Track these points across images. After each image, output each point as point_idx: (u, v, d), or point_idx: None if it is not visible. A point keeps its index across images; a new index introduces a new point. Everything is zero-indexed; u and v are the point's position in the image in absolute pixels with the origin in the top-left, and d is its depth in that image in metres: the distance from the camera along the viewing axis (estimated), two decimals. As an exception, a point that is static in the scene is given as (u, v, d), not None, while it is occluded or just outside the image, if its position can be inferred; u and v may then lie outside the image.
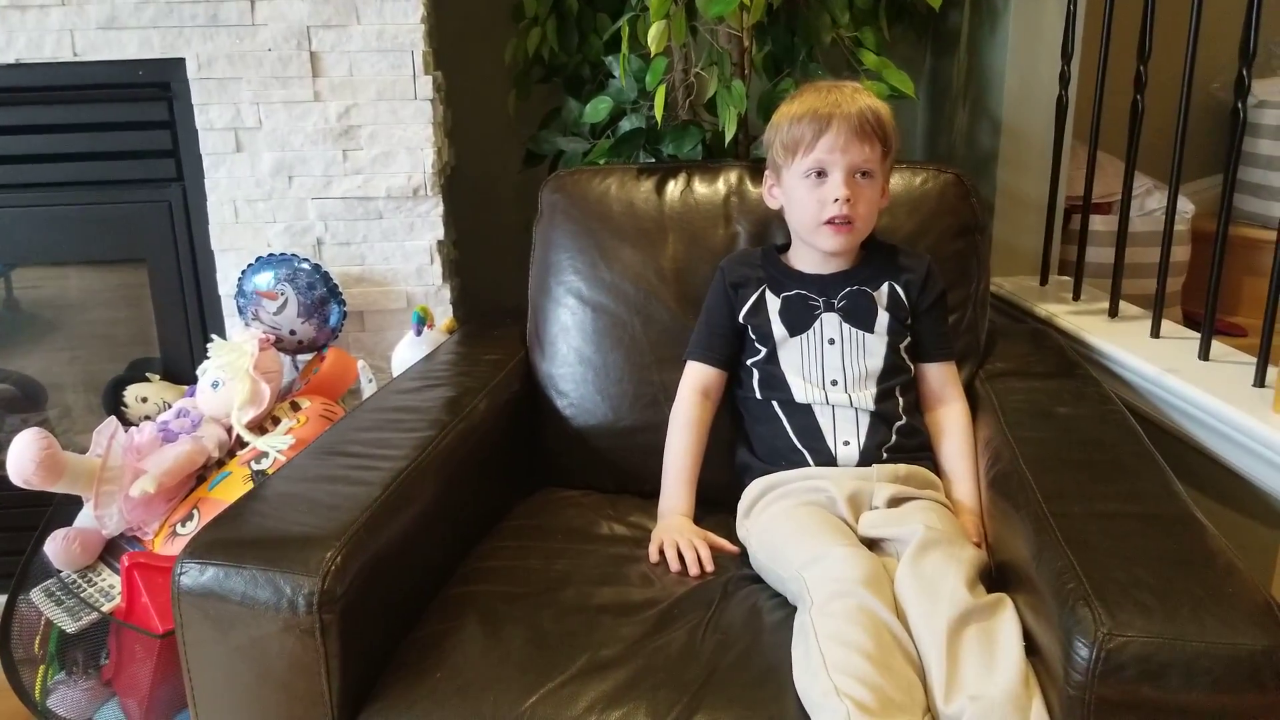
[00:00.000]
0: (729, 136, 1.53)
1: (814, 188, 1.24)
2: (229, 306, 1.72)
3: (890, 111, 1.26)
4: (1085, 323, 1.62)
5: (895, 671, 0.90)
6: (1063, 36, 1.74)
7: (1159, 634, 0.79)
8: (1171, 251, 1.53)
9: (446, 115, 1.85)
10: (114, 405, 1.70)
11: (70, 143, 1.68)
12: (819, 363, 1.26)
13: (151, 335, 1.79)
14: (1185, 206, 2.15)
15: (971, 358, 1.41)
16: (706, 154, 1.64)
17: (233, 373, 1.49)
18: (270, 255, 1.66)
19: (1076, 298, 1.76)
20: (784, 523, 1.15)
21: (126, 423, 1.60)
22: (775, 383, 1.28)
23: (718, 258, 1.39)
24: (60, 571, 1.45)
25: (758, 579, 1.15)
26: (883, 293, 1.29)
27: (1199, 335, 1.44)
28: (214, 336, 1.58)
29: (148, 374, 1.76)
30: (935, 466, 1.27)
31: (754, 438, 1.30)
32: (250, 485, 1.38)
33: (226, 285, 1.72)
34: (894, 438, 1.24)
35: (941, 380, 1.32)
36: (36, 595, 1.42)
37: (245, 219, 1.70)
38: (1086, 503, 0.99)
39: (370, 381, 1.61)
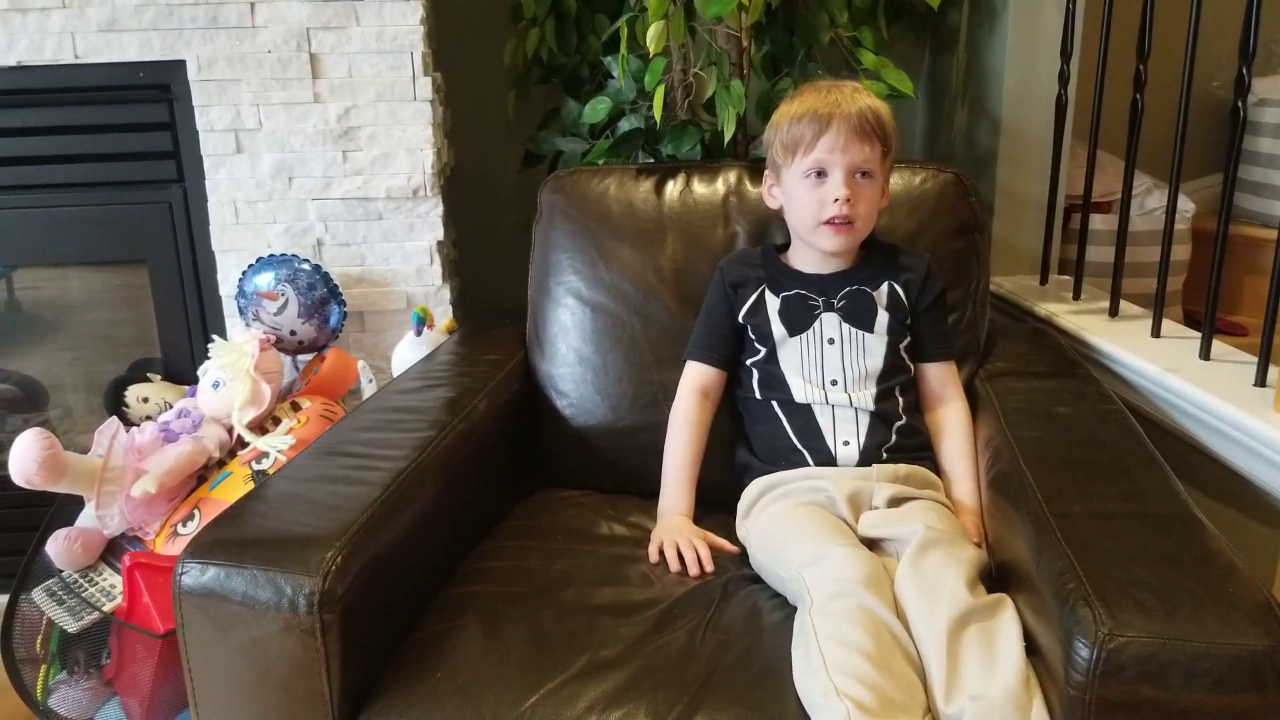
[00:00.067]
0: (728, 136, 1.53)
1: (814, 187, 1.24)
2: (229, 307, 1.72)
3: (890, 111, 1.26)
4: (1085, 322, 1.62)
5: (895, 671, 0.90)
6: (1062, 35, 1.74)
7: (1159, 634, 0.79)
8: (1172, 250, 1.53)
9: (446, 116, 1.85)
10: (115, 405, 1.71)
11: (71, 144, 1.69)
12: (819, 363, 1.26)
13: (152, 336, 1.79)
14: (1185, 205, 2.14)
15: (971, 357, 1.41)
16: (705, 154, 1.64)
17: (233, 373, 1.49)
18: (270, 256, 1.66)
19: (1076, 297, 1.76)
20: (784, 523, 1.15)
21: (128, 423, 1.60)
22: (775, 383, 1.27)
23: (717, 258, 1.39)
24: (62, 571, 1.46)
25: (758, 579, 1.15)
26: (882, 292, 1.29)
27: (1199, 334, 1.43)
28: (215, 337, 1.58)
29: (149, 374, 1.76)
30: (935, 466, 1.27)
31: (754, 438, 1.30)
32: (251, 485, 1.38)
33: (227, 286, 1.72)
34: (894, 437, 1.24)
35: (941, 380, 1.32)
36: (38, 595, 1.42)
37: (245, 220, 1.70)
38: (1087, 502, 0.98)
39: (370, 382, 1.62)
